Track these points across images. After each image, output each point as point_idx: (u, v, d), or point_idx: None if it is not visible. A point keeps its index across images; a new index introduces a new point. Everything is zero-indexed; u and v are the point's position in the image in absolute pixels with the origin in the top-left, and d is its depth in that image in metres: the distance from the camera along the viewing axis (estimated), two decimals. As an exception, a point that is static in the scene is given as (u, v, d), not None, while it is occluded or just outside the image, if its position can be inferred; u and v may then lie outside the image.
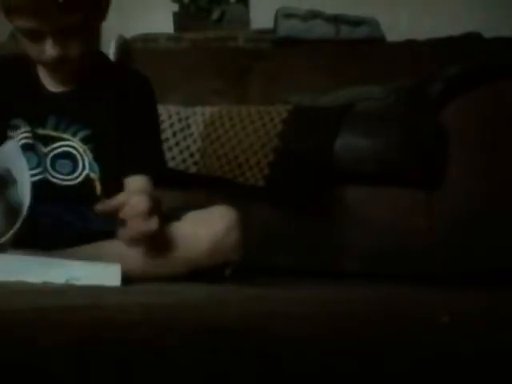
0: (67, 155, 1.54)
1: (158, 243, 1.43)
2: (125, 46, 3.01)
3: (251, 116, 2.12)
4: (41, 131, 1.54)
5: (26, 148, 1.53)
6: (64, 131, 1.54)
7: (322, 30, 2.94)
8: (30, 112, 1.54)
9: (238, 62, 2.91)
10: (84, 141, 1.54)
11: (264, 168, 2.06)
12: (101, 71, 1.59)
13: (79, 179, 1.54)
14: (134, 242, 1.41)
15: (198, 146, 2.13)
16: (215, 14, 3.18)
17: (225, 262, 1.50)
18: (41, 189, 1.47)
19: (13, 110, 1.55)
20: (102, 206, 1.38)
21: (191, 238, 1.47)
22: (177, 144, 2.13)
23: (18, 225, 1.34)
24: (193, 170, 2.12)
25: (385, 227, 2.03)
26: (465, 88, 2.04)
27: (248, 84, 2.86)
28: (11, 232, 1.34)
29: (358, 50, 2.82)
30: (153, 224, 1.37)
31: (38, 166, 1.53)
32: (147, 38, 3.17)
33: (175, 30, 3.25)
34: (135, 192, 1.45)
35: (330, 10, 2.96)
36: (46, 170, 1.53)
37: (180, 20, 3.25)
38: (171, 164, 2.07)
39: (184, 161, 2.12)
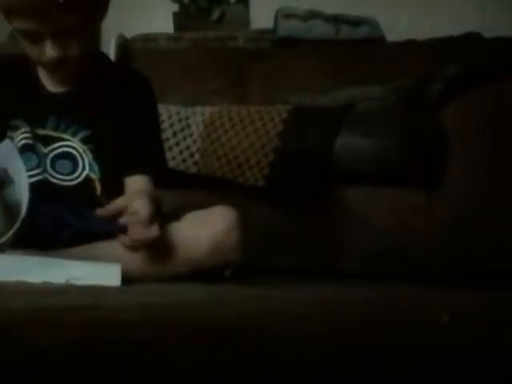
0: (67, 155, 1.54)
1: (158, 244, 1.44)
2: (124, 44, 3.01)
3: (251, 116, 2.12)
4: (41, 131, 1.54)
5: (25, 148, 1.53)
6: (64, 131, 1.54)
7: (321, 29, 2.93)
8: (30, 112, 1.54)
9: (238, 62, 2.91)
10: (84, 141, 1.54)
11: (264, 168, 2.06)
12: (101, 71, 1.59)
13: (79, 179, 1.54)
14: (133, 247, 1.41)
15: (198, 146, 2.13)
16: (215, 14, 3.18)
17: (225, 262, 1.50)
18: (41, 189, 1.47)
19: (13, 110, 1.55)
20: (103, 211, 1.39)
21: (191, 239, 1.47)
22: (177, 144, 2.13)
23: (17, 225, 1.34)
24: (193, 170, 2.12)
25: (385, 227, 2.03)
26: (465, 88, 2.04)
27: (248, 84, 2.86)
28: (11, 232, 1.34)
29: (358, 50, 2.82)
30: (153, 231, 1.38)
31: (37, 167, 1.53)
32: (147, 38, 3.17)
33: (175, 30, 3.25)
34: (137, 194, 1.44)
35: (330, 9, 2.96)
36: (45, 170, 1.53)
37: (180, 20, 3.25)
38: (171, 164, 2.07)
39: (184, 161, 2.12)
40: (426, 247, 2.00)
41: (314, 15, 2.95)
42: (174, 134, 2.14)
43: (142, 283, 1.39)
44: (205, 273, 1.48)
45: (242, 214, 1.52)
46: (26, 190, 1.36)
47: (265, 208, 2.10)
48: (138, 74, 1.63)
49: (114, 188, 1.51)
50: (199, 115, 2.17)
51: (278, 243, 2.11)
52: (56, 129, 1.54)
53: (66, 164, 1.54)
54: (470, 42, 2.68)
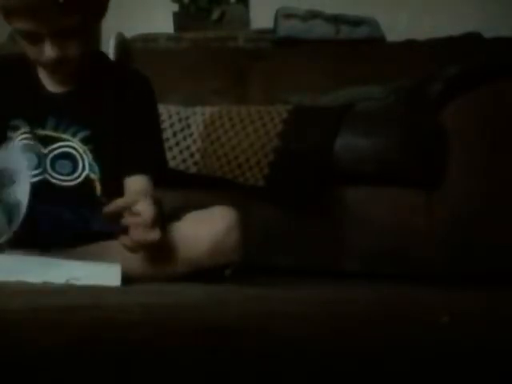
0: (67, 156, 1.54)
1: (158, 244, 1.43)
2: (124, 43, 3.01)
3: (251, 116, 2.12)
4: (41, 132, 1.54)
5: (25, 149, 1.53)
6: (64, 132, 1.54)
7: (321, 29, 2.93)
8: (30, 113, 1.54)
9: (238, 62, 2.91)
10: (84, 141, 1.54)
11: (264, 168, 2.06)
12: (100, 71, 1.58)
13: (79, 180, 1.54)
14: (133, 249, 1.41)
15: (198, 146, 2.13)
16: (215, 14, 3.18)
17: (225, 262, 1.50)
18: (41, 189, 1.47)
19: (13, 110, 1.55)
20: (108, 209, 1.38)
21: (192, 239, 1.47)
22: (177, 144, 2.13)
23: (17, 224, 1.34)
24: (193, 170, 2.12)
25: (385, 227, 2.03)
26: (465, 88, 2.04)
27: (248, 84, 2.86)
28: (11, 231, 1.34)
29: (357, 50, 2.82)
30: (155, 234, 1.37)
31: (37, 167, 1.53)
32: (147, 38, 3.17)
33: (175, 30, 3.25)
34: (141, 194, 1.44)
35: (330, 9, 2.96)
36: (45, 170, 1.53)
37: (180, 20, 3.25)
38: (171, 164, 2.07)
39: (184, 161, 2.12)
40: (426, 247, 2.00)
41: (314, 15, 2.95)
42: (174, 134, 2.14)
43: (142, 283, 1.39)
44: (205, 273, 1.48)
45: (242, 214, 1.52)
46: (27, 190, 1.36)
47: (265, 208, 2.10)
48: (137, 74, 1.63)
49: (114, 188, 1.51)
50: (199, 115, 2.17)
51: (278, 243, 2.11)
52: (56, 129, 1.54)
53: (65, 164, 1.54)
54: (470, 41, 2.68)
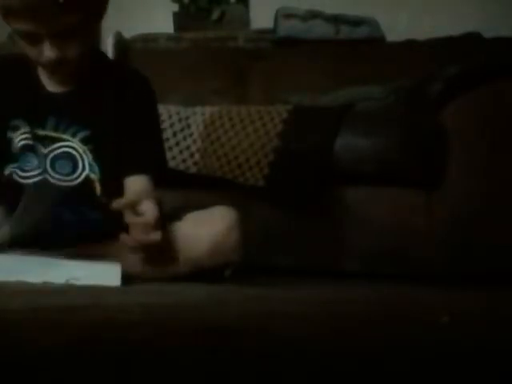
0: (67, 156, 1.54)
1: (159, 245, 1.43)
2: (122, 42, 3.01)
3: (251, 116, 2.12)
4: (40, 132, 1.54)
5: (25, 149, 1.53)
6: (64, 132, 1.54)
7: (321, 30, 2.93)
8: (30, 113, 1.54)
9: (238, 62, 2.91)
10: (84, 141, 1.54)
11: (264, 168, 2.06)
12: (100, 71, 1.58)
13: (79, 180, 1.54)
14: (133, 249, 1.41)
15: (198, 146, 2.13)
16: (215, 14, 3.18)
17: (225, 262, 1.50)
18: (41, 189, 1.47)
19: (13, 110, 1.55)
20: (117, 204, 1.37)
21: (192, 239, 1.47)
22: (177, 144, 2.13)
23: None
24: (193, 170, 2.12)
25: (385, 227, 2.03)
26: (465, 88, 2.04)
27: (248, 84, 2.86)
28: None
29: (357, 50, 2.82)
30: (155, 236, 1.37)
31: (37, 167, 1.53)
32: (147, 38, 3.16)
33: (175, 30, 3.25)
34: (144, 194, 1.44)
35: (330, 9, 2.96)
36: (45, 170, 1.53)
37: (180, 20, 3.25)
38: (171, 164, 2.07)
39: (184, 161, 2.12)
40: (426, 247, 2.00)
41: (313, 15, 2.95)
42: (174, 134, 2.14)
43: (142, 283, 1.39)
44: (205, 273, 1.48)
45: (241, 214, 1.52)
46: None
47: (265, 208, 2.10)
48: (137, 74, 1.63)
49: (114, 188, 1.51)
50: (199, 115, 2.17)
51: (278, 243, 2.11)
52: (56, 129, 1.54)
53: (65, 164, 1.54)
54: (470, 41, 2.68)
